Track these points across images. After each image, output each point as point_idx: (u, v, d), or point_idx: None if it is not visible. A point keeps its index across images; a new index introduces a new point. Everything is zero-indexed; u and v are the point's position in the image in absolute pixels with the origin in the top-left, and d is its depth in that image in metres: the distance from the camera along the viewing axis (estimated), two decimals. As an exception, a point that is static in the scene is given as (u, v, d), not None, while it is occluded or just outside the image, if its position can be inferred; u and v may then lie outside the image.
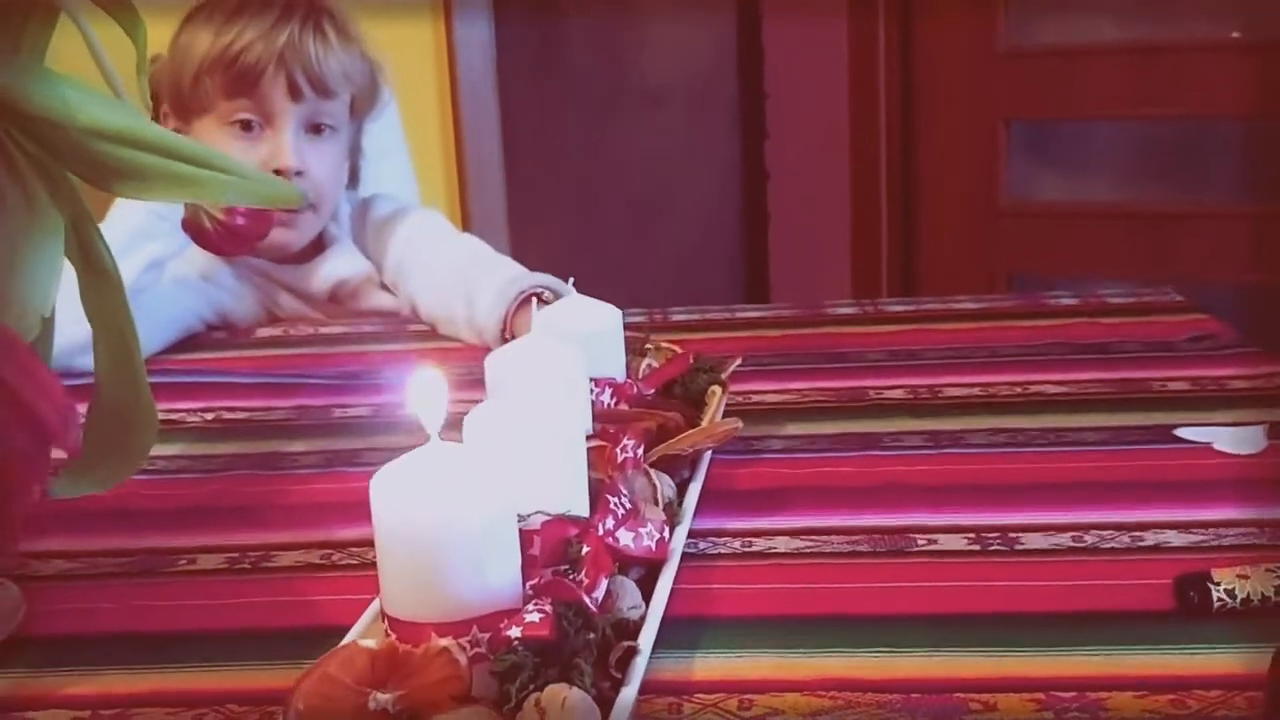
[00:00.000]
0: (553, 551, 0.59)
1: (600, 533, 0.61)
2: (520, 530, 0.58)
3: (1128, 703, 0.57)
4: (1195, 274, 2.24)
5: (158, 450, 0.97)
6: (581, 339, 0.80)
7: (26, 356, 0.44)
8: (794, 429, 0.95)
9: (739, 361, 0.94)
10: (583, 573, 0.58)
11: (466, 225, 2.15)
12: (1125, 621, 0.65)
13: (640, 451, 0.72)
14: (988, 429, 0.93)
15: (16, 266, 0.65)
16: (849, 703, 0.58)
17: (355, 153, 1.42)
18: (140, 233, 1.19)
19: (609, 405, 0.81)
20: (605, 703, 0.53)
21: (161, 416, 1.05)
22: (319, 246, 1.38)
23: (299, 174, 1.28)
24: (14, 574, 0.75)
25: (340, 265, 1.38)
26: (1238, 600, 0.64)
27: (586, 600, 0.54)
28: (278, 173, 1.26)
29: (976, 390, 1.02)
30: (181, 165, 0.64)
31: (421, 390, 0.54)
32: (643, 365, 0.89)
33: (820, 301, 1.33)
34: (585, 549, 0.59)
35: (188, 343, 1.30)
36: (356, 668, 0.50)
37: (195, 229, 0.76)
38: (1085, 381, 1.02)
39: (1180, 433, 0.89)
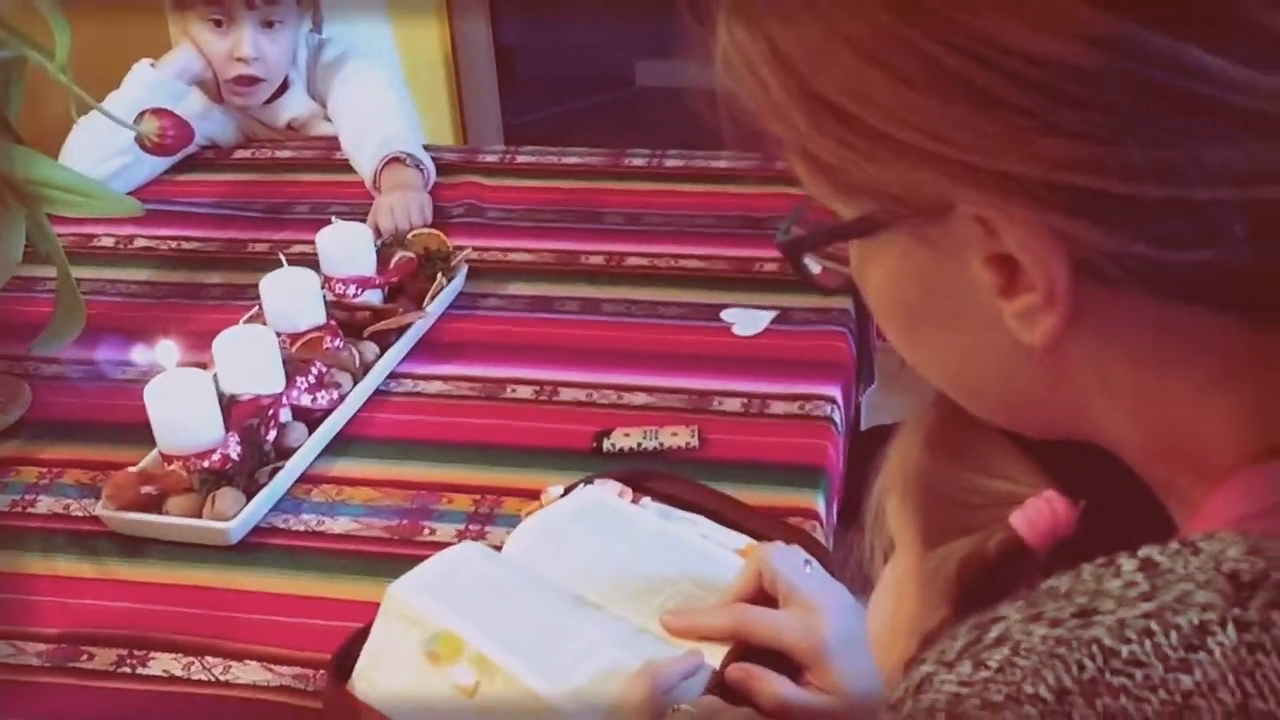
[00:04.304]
0: (249, 414, 1.19)
1: (285, 401, 1.21)
2: (236, 401, 1.18)
3: (514, 505, 1.16)
4: None
5: (133, 275, 1.59)
6: (338, 254, 1.38)
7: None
8: (513, 288, 1.51)
9: (468, 251, 1.50)
10: (263, 424, 1.18)
11: None
12: (558, 455, 1.22)
13: (339, 343, 1.30)
14: (621, 299, 1.47)
15: (-2, 241, 1.25)
16: (385, 494, 1.18)
17: (317, 13, 1.94)
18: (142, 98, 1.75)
19: (354, 295, 1.38)
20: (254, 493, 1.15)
21: (143, 243, 1.67)
22: (280, 90, 1.93)
23: (256, 60, 1.82)
24: (26, 374, 1.39)
25: (294, 107, 1.93)
26: (617, 448, 1.21)
27: (233, 452, 1.14)
28: (240, 59, 1.81)
29: (643, 261, 1.55)
30: (72, 195, 1.22)
31: (162, 353, 1.14)
32: (397, 255, 1.45)
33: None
34: (271, 411, 1.19)
35: (187, 161, 1.87)
36: (136, 476, 1.13)
37: (141, 143, 1.33)
38: (709, 256, 1.54)
39: (724, 314, 1.42)
